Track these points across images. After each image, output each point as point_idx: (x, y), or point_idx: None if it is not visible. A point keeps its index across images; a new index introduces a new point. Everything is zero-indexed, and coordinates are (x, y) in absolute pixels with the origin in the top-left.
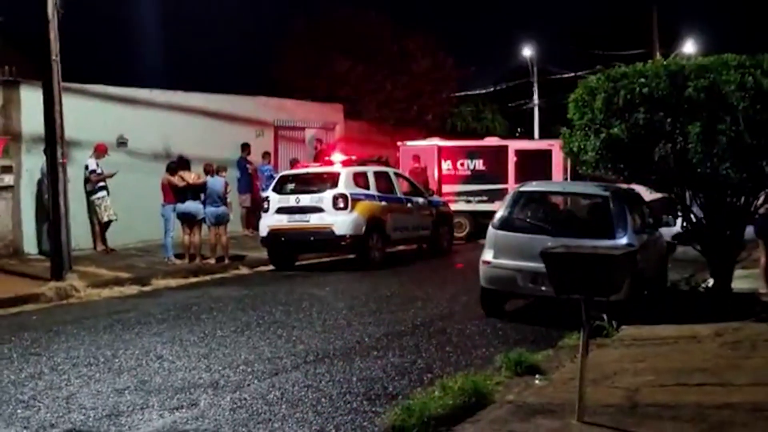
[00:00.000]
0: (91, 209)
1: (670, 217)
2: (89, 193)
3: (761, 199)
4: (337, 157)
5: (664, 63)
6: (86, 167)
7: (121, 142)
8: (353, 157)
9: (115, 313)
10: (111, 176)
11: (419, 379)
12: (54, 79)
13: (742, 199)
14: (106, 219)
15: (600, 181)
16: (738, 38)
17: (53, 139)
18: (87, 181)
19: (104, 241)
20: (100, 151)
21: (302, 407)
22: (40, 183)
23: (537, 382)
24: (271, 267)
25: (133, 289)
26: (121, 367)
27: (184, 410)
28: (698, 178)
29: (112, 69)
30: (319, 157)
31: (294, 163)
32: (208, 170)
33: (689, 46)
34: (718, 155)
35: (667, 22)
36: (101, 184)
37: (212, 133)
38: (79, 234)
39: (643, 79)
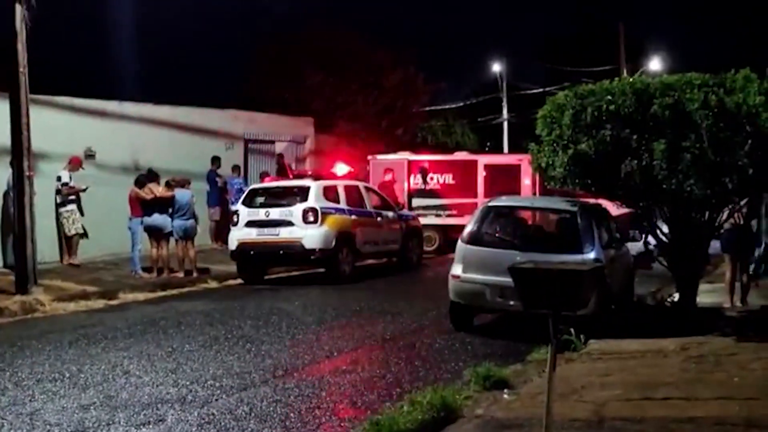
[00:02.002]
0: (59, 222)
1: (636, 232)
2: (58, 205)
3: (725, 214)
4: (341, 169)
5: (631, 81)
6: (59, 178)
7: (89, 155)
8: (351, 170)
9: (80, 328)
10: (82, 191)
11: (388, 394)
12: (21, 90)
13: (707, 214)
14: (73, 232)
15: (568, 196)
16: (703, 55)
17: (20, 151)
18: (58, 192)
19: (71, 254)
20: (74, 163)
21: (271, 422)
22: (5, 195)
23: (505, 396)
24: (239, 281)
25: (100, 303)
26: (86, 383)
27: (151, 426)
28: (663, 193)
29: (83, 82)
30: (284, 171)
31: (264, 177)
32: (172, 184)
33: (655, 63)
34: (682, 172)
35: (634, 38)
36: (71, 197)
37: (182, 146)
38: (45, 247)
39: (610, 97)
